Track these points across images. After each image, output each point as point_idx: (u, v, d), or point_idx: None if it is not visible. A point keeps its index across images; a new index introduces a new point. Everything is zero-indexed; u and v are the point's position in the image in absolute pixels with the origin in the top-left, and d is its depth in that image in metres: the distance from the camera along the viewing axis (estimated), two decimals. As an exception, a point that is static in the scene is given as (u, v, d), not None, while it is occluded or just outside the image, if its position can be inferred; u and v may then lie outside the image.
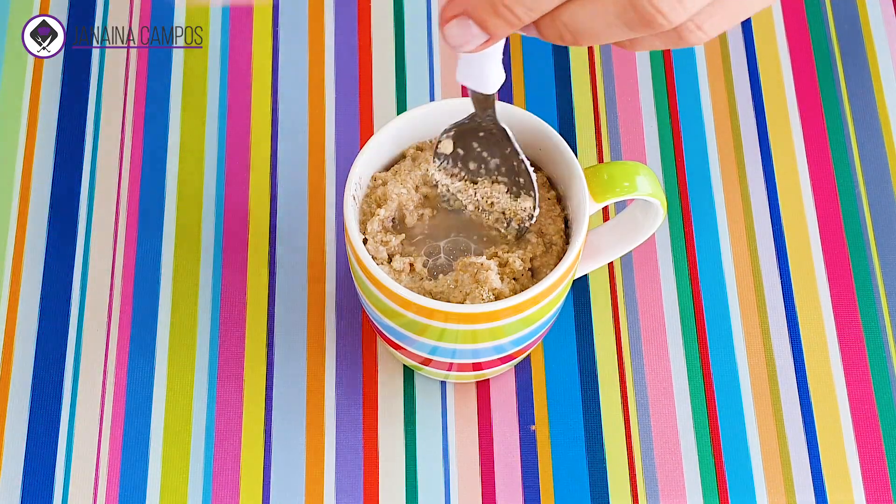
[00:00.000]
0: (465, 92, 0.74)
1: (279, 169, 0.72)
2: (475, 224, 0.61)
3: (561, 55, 0.75)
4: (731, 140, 0.73)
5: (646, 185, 0.60)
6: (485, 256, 0.60)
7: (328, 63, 0.75)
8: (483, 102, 0.57)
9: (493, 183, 0.61)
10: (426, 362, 0.64)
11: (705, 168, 0.72)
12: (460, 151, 0.60)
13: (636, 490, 0.65)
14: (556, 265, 0.60)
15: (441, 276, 0.60)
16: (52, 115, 0.73)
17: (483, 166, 0.61)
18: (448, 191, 0.61)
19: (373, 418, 0.66)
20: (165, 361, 0.67)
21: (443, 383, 0.67)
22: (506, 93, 0.74)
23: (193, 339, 0.68)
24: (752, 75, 0.75)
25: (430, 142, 0.62)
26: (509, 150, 0.59)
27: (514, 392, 0.67)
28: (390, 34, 0.76)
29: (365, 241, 0.60)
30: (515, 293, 0.59)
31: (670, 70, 0.75)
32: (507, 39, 0.76)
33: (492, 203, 0.61)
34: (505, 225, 0.61)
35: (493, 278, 0.59)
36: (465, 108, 0.60)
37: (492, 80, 0.55)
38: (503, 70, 0.55)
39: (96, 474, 0.65)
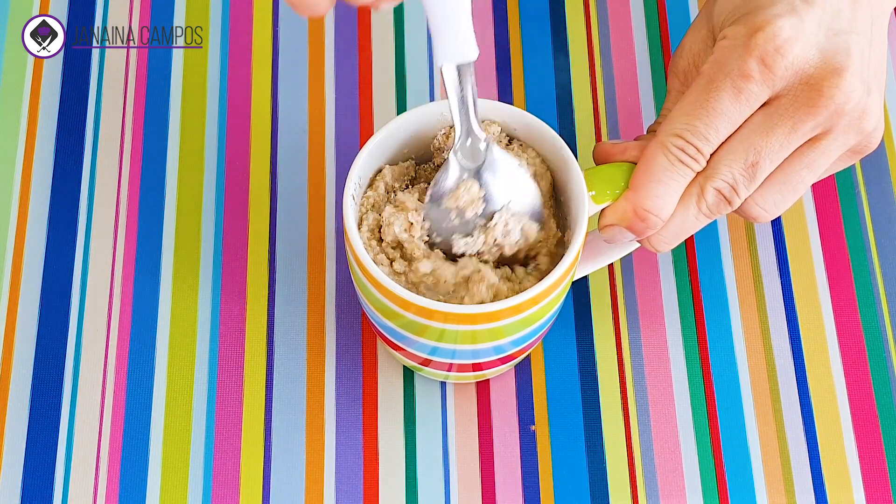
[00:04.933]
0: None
1: (279, 169, 0.72)
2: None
3: (561, 55, 0.75)
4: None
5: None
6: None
7: (328, 63, 0.75)
8: (467, 78, 0.57)
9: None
10: (426, 363, 0.64)
11: (705, 168, 0.72)
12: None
13: (636, 490, 0.65)
14: (555, 265, 0.60)
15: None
16: (52, 115, 0.73)
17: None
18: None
19: (373, 418, 0.66)
20: (165, 361, 0.68)
21: (443, 384, 0.67)
22: (506, 93, 0.74)
23: (193, 339, 0.68)
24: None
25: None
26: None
27: (514, 392, 0.67)
28: (390, 34, 0.76)
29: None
30: (514, 292, 0.59)
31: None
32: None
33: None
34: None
35: (489, 274, 0.59)
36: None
37: (471, 45, 0.55)
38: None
39: (96, 474, 0.65)
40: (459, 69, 0.56)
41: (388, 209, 0.60)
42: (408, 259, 0.59)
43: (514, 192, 0.59)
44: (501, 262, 0.60)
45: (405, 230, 0.59)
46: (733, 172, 0.58)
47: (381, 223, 0.60)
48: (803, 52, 0.57)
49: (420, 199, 0.60)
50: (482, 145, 0.58)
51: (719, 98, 0.57)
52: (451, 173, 0.59)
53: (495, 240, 0.59)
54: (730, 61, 0.57)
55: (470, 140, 0.58)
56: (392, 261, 0.60)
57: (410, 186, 0.62)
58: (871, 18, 0.59)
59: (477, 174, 0.59)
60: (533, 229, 0.60)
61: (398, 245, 0.60)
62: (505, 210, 0.59)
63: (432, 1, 0.54)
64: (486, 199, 0.59)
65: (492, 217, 0.59)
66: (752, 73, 0.57)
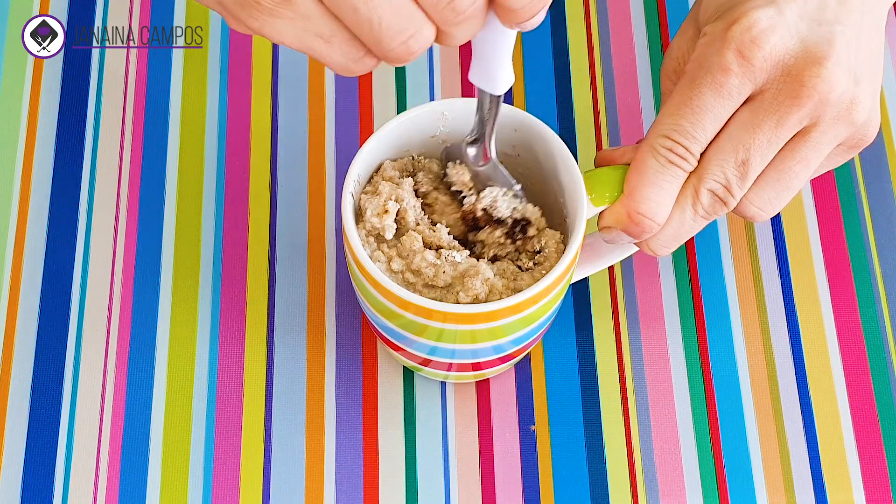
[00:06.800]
0: (471, 92, 0.74)
1: (279, 169, 0.72)
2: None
3: (561, 55, 0.75)
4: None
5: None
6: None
7: (328, 63, 0.75)
8: (491, 104, 0.57)
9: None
10: (425, 363, 0.64)
11: (705, 168, 0.72)
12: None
13: (636, 490, 0.65)
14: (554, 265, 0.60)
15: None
16: (52, 115, 0.73)
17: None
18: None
19: (373, 418, 0.66)
20: (165, 361, 0.68)
21: (443, 383, 0.67)
22: (506, 93, 0.74)
23: (193, 339, 0.68)
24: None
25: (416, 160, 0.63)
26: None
27: (514, 392, 0.67)
28: (390, 34, 0.76)
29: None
30: (508, 288, 0.59)
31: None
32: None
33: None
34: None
35: (484, 269, 0.59)
36: (465, 107, 0.60)
37: (502, 81, 0.55)
38: (513, 73, 0.55)
39: (96, 474, 0.65)
40: (489, 94, 0.56)
41: (364, 195, 0.60)
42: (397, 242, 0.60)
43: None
44: (495, 259, 0.61)
45: (376, 214, 0.59)
46: (725, 172, 0.58)
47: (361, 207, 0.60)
48: (782, 42, 0.56)
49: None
50: (489, 163, 0.60)
51: (701, 95, 0.57)
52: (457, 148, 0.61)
53: (484, 208, 0.61)
54: (709, 57, 0.57)
55: (477, 146, 0.59)
56: (389, 260, 0.60)
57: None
58: (861, 10, 0.58)
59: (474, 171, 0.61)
60: (529, 208, 0.61)
61: (379, 235, 0.60)
62: (498, 191, 0.61)
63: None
64: (475, 191, 0.61)
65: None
66: (731, 66, 0.56)
